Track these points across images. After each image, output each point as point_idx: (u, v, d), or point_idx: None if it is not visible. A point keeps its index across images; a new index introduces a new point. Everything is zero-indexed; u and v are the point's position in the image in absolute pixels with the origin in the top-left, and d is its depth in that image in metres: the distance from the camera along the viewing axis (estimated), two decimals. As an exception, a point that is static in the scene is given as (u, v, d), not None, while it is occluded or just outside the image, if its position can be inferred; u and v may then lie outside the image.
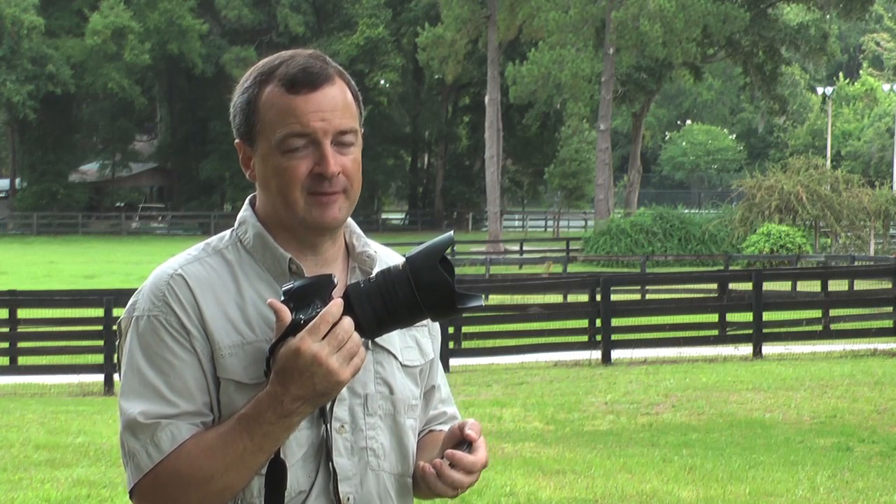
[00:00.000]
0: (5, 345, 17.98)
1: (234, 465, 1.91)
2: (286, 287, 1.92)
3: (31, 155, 64.94)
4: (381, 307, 1.90)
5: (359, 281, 1.94)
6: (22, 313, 18.16)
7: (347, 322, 1.87)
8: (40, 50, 59.06)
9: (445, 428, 2.21)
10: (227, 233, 2.10)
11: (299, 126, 1.98)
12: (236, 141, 2.07)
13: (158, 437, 1.93)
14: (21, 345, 17.95)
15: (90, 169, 71.29)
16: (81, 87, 61.03)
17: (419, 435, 2.19)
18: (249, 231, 2.06)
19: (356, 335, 1.88)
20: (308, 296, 1.90)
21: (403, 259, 1.94)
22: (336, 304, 1.87)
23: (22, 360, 17.75)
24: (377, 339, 2.05)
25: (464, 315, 18.78)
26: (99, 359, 16.30)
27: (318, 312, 1.87)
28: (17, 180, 66.10)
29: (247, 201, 2.12)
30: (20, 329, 18.06)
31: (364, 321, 1.90)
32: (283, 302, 1.90)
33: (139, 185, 76.20)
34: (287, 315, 1.88)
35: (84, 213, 64.41)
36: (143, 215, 68.20)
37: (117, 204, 72.38)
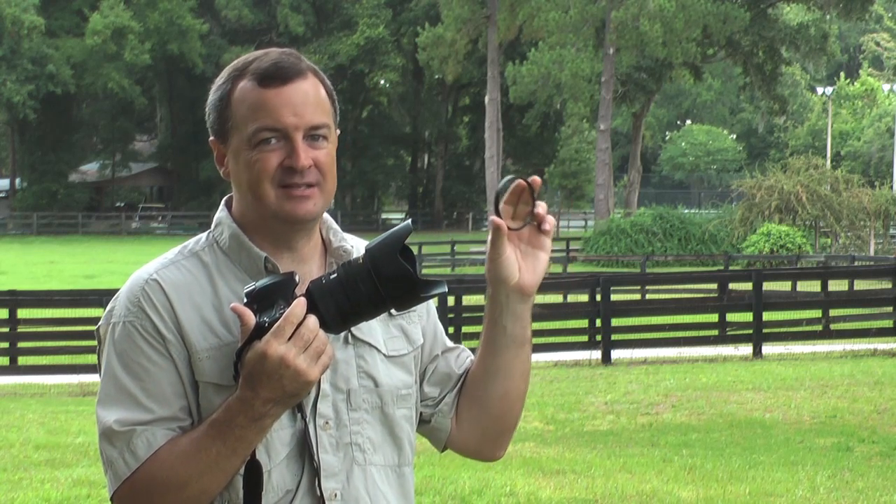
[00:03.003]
0: (5, 345, 17.99)
1: (208, 469, 1.91)
2: (248, 289, 1.90)
3: (31, 155, 64.97)
4: (344, 302, 1.89)
5: (321, 277, 1.92)
6: (22, 313, 18.15)
7: (312, 321, 1.86)
8: (40, 50, 59.08)
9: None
10: (203, 235, 2.10)
11: (270, 120, 1.98)
12: (210, 139, 2.07)
13: (134, 444, 1.94)
14: (21, 345, 17.97)
15: (90, 169, 71.35)
16: (81, 87, 61.06)
17: (466, 382, 2.17)
18: (225, 232, 2.06)
19: (322, 333, 1.87)
20: (270, 296, 1.88)
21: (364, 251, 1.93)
22: (299, 304, 1.86)
23: (22, 360, 17.77)
24: (358, 334, 2.05)
25: (464, 315, 18.81)
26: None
27: (281, 313, 1.86)
28: (17, 180, 66.13)
29: (222, 203, 2.11)
30: (20, 329, 18.07)
31: (328, 317, 1.88)
32: (245, 304, 1.88)
33: (139, 185, 76.26)
34: (251, 318, 1.87)
35: (84, 213, 64.44)
36: (143, 215, 68.24)
37: (117, 204, 72.44)
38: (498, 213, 2.00)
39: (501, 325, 2.08)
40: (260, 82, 2.00)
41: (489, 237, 2.03)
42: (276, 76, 1.99)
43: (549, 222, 2.02)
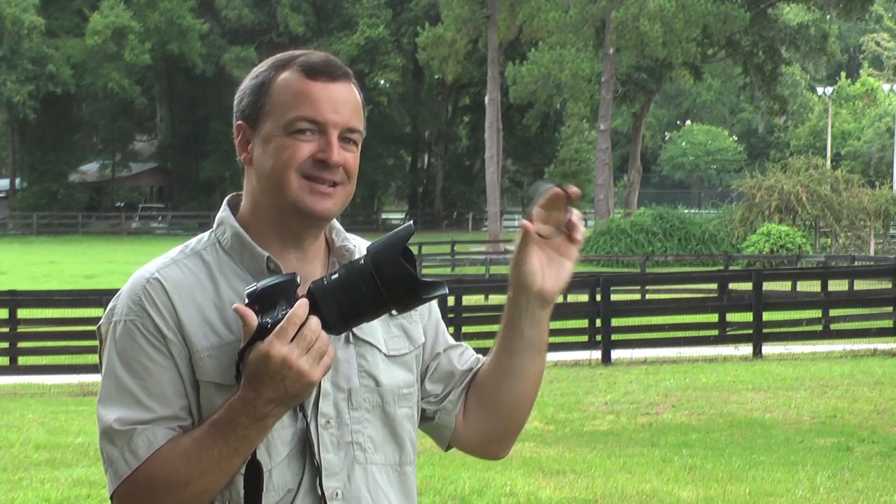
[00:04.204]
0: (5, 345, 18.00)
1: (210, 469, 1.91)
2: (249, 290, 1.90)
3: (31, 155, 64.97)
4: (345, 303, 1.89)
5: (322, 277, 1.93)
6: (22, 313, 18.16)
7: (314, 322, 1.87)
8: (40, 50, 59.07)
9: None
10: (205, 234, 2.10)
11: (312, 111, 1.99)
12: (238, 123, 2.06)
13: (135, 443, 1.94)
14: (21, 345, 17.97)
15: (90, 169, 71.35)
16: (81, 87, 61.04)
17: (477, 382, 2.17)
18: (227, 231, 2.06)
19: (324, 334, 1.88)
20: (272, 297, 1.89)
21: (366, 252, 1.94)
22: (302, 305, 1.87)
23: (22, 360, 17.77)
24: (359, 333, 2.05)
25: (463, 315, 18.81)
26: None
27: (284, 314, 1.86)
28: (17, 180, 66.13)
29: (224, 202, 2.11)
30: (20, 329, 18.07)
31: (330, 318, 1.89)
32: (247, 305, 1.88)
33: (139, 185, 76.27)
34: (253, 319, 1.87)
35: (84, 213, 64.44)
36: (143, 215, 68.24)
37: (117, 204, 72.44)
38: (530, 218, 2.00)
39: (519, 328, 2.09)
40: (308, 74, 2.01)
41: (517, 240, 2.04)
42: (324, 71, 2.02)
43: (581, 232, 2.04)
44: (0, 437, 10.86)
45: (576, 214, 2.01)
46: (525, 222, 2.01)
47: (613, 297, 19.14)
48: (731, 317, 19.12)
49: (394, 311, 1.98)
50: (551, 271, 2.06)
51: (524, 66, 48.11)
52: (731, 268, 32.53)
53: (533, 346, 2.10)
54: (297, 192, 1.99)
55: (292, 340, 1.85)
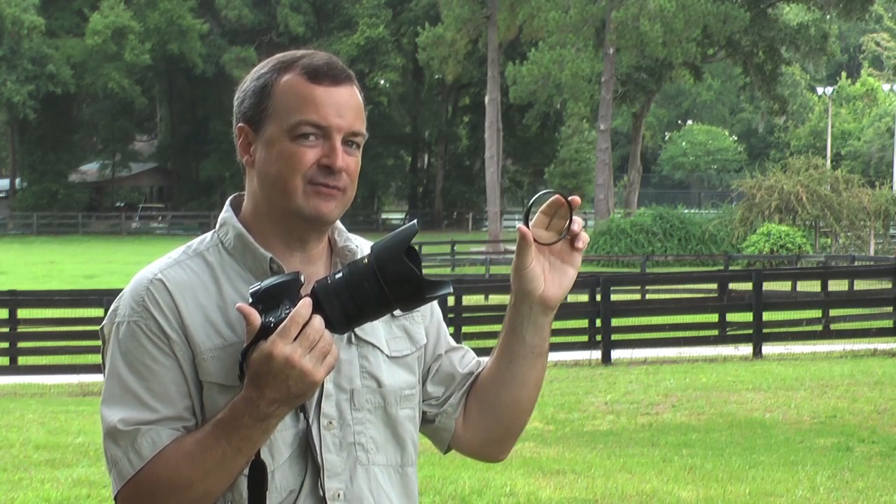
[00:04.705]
0: (5, 345, 17.99)
1: (213, 470, 1.91)
2: (253, 289, 1.90)
3: (31, 155, 64.98)
4: (349, 302, 1.89)
5: (326, 277, 1.92)
6: (22, 313, 18.15)
7: (318, 321, 1.86)
8: (40, 50, 59.08)
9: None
10: (208, 235, 2.09)
11: (316, 116, 1.98)
12: (239, 125, 2.05)
13: (139, 444, 1.94)
14: (21, 345, 17.97)
15: (90, 169, 71.38)
16: (81, 87, 61.06)
17: (477, 386, 2.17)
18: (230, 232, 2.06)
19: (327, 334, 1.87)
20: (276, 297, 1.88)
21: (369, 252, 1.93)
22: (305, 305, 1.86)
23: (22, 360, 17.77)
24: (361, 334, 2.05)
25: (463, 315, 18.80)
26: (99, 359, 16.24)
27: (287, 313, 1.86)
28: (17, 180, 66.14)
29: (227, 203, 2.11)
30: (20, 329, 18.07)
31: (333, 318, 1.88)
32: (251, 304, 1.88)
33: (139, 185, 76.29)
34: (256, 319, 1.86)
35: (84, 213, 64.46)
36: (143, 215, 68.25)
37: (117, 204, 72.46)
38: (526, 224, 1.99)
39: (521, 334, 2.09)
40: (311, 77, 2.00)
41: (516, 247, 2.05)
42: (327, 74, 2.01)
43: (583, 239, 2.04)
44: (0, 437, 10.86)
45: (577, 222, 2.01)
46: (521, 227, 2.00)
47: (613, 297, 19.13)
48: (731, 317, 19.11)
49: (397, 311, 1.97)
50: (553, 277, 2.06)
51: (524, 66, 48.11)
52: (731, 268, 32.51)
53: (534, 352, 2.10)
54: (302, 198, 1.99)
55: (295, 339, 1.85)
